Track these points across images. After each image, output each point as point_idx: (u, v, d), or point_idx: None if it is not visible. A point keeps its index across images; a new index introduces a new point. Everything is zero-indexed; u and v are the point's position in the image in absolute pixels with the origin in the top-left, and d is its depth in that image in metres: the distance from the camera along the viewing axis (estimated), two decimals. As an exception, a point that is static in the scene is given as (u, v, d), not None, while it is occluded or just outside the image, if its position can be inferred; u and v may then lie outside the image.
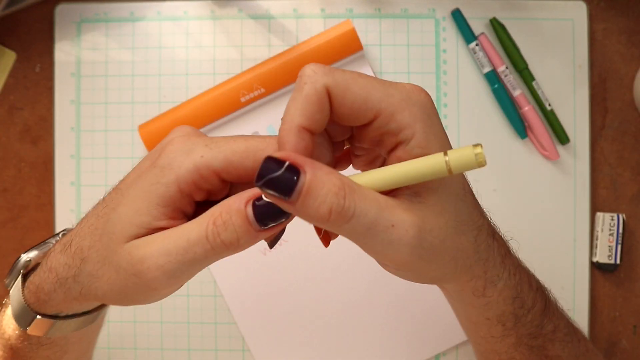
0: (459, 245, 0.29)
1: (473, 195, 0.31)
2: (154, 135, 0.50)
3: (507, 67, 0.51)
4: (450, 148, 0.28)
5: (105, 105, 0.52)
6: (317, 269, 0.51)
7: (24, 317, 0.33)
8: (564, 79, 0.51)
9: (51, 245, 0.33)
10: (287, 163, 0.25)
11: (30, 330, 0.33)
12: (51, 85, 0.52)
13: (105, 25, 0.52)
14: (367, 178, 0.27)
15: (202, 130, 0.50)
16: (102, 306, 0.35)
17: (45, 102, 0.52)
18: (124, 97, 0.52)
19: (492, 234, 0.33)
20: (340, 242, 0.52)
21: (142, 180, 0.28)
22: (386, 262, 0.29)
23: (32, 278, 0.33)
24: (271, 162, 0.25)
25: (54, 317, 0.33)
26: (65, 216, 0.51)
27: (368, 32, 0.52)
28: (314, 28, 0.52)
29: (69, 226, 0.34)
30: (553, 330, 0.35)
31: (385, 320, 0.51)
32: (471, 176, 0.51)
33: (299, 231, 0.51)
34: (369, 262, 0.51)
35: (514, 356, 0.35)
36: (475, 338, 0.37)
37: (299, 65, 0.50)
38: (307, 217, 0.26)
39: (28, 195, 0.52)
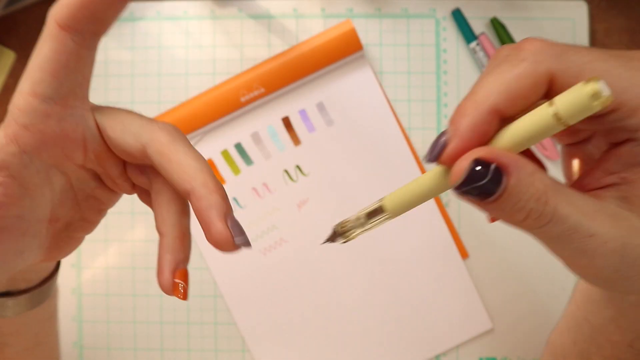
0: None
1: None
2: (154, 136, 0.50)
3: (507, 67, 0.50)
4: None
5: (104, 105, 0.52)
6: (317, 269, 0.51)
7: None
8: (565, 79, 0.51)
9: None
10: (493, 166, 0.22)
11: None
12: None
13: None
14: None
15: (201, 130, 0.50)
16: (47, 280, 0.33)
17: (44, 102, 0.52)
18: (123, 97, 0.52)
19: None
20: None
21: None
22: (576, 269, 0.25)
23: None
24: (480, 167, 0.22)
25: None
26: (64, 216, 0.51)
27: (368, 32, 0.52)
28: (314, 28, 0.52)
29: None
30: None
31: (385, 321, 0.51)
32: (471, 176, 0.51)
33: (299, 231, 0.51)
34: (369, 263, 0.51)
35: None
36: (595, 339, 0.32)
37: (299, 65, 0.50)
38: (500, 216, 0.23)
39: (28, 195, 0.52)
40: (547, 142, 0.50)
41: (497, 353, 0.51)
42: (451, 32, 0.51)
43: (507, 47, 0.23)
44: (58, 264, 0.35)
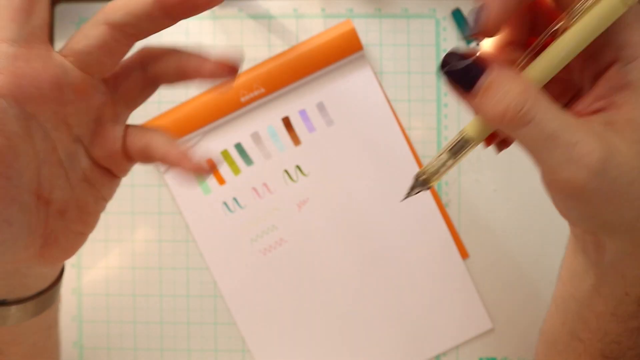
0: None
1: None
2: (154, 136, 0.50)
3: (507, 67, 0.50)
4: None
5: (104, 105, 0.52)
6: (317, 269, 0.51)
7: None
8: (565, 79, 0.51)
9: None
10: (472, 58, 0.24)
11: None
12: None
13: None
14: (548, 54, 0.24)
15: (201, 130, 0.50)
16: (51, 287, 0.32)
17: (44, 102, 0.52)
18: (123, 97, 0.52)
19: None
20: (341, 243, 0.52)
21: None
22: (558, 184, 0.25)
23: None
24: (456, 56, 0.25)
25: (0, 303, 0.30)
26: (64, 216, 0.51)
27: (368, 32, 0.52)
28: (314, 28, 0.52)
29: None
30: None
31: (385, 321, 0.51)
32: (472, 177, 0.51)
33: (299, 231, 0.51)
34: (369, 263, 0.51)
35: (622, 340, 0.31)
36: (581, 313, 0.32)
37: (299, 65, 0.50)
38: (484, 114, 0.25)
39: (28, 195, 0.52)
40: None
41: (497, 353, 0.51)
42: (451, 32, 0.51)
43: None
44: (61, 273, 0.33)
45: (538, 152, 0.24)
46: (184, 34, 0.52)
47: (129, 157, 0.30)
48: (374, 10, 0.52)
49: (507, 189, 0.51)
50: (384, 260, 0.51)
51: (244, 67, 0.52)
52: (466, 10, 0.51)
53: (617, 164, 0.24)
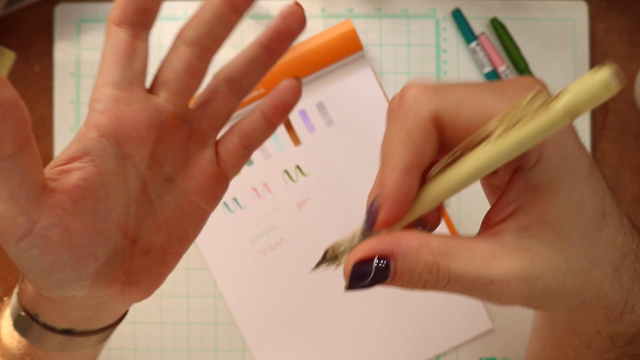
0: (589, 281, 0.25)
1: (618, 213, 0.25)
2: (154, 136, 0.50)
3: (507, 67, 0.50)
4: (588, 163, 0.24)
5: (104, 105, 0.52)
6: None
7: (21, 325, 0.31)
8: (565, 79, 0.51)
9: None
10: (375, 262, 0.23)
11: (32, 341, 0.30)
12: (50, 85, 0.52)
13: (105, 25, 0.52)
14: (467, 166, 0.23)
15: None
16: (114, 324, 0.33)
17: (44, 102, 0.52)
18: (123, 97, 0.52)
19: None
20: (340, 243, 0.51)
21: None
22: (499, 304, 0.26)
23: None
24: (361, 268, 0.24)
25: (67, 332, 0.31)
26: (64, 216, 0.51)
27: (368, 32, 0.52)
28: (314, 28, 0.52)
29: None
30: None
31: (385, 321, 0.51)
32: (471, 176, 0.51)
33: (299, 231, 0.51)
34: (369, 263, 0.51)
35: None
36: (557, 344, 0.32)
37: (299, 65, 0.50)
38: (405, 289, 0.25)
39: (27, 195, 0.52)
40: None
41: (497, 353, 0.51)
42: (451, 32, 0.51)
43: (394, 100, 0.25)
44: (124, 315, 0.34)
45: (467, 295, 0.25)
46: (184, 34, 0.52)
47: (227, 174, 0.31)
48: (374, 10, 0.52)
49: (507, 189, 0.51)
50: (384, 260, 0.51)
51: (244, 67, 0.52)
52: (466, 10, 0.51)
53: (539, 275, 0.24)
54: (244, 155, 0.32)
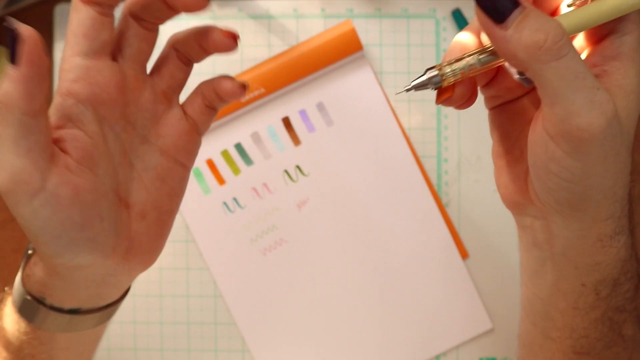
0: (626, 162, 0.27)
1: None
2: (154, 136, 0.50)
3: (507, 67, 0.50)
4: None
5: (104, 105, 0.52)
6: (317, 269, 0.51)
7: (27, 310, 0.31)
8: (565, 79, 0.51)
9: None
10: None
11: (36, 325, 0.31)
12: (50, 85, 0.52)
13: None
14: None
15: (202, 130, 0.50)
16: (117, 301, 0.33)
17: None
18: (123, 97, 0.52)
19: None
20: (341, 243, 0.52)
21: None
22: (573, 129, 0.25)
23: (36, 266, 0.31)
24: None
25: (74, 311, 0.31)
26: (64, 216, 0.51)
27: (368, 32, 0.52)
28: (314, 28, 0.52)
29: None
30: (635, 308, 0.32)
31: (385, 321, 0.51)
32: (471, 177, 0.51)
33: (299, 231, 0.51)
34: (369, 263, 0.51)
35: (589, 334, 0.32)
36: (546, 311, 0.33)
37: (299, 65, 0.50)
38: (517, 43, 0.24)
39: (27, 195, 0.52)
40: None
41: (497, 353, 0.51)
42: (451, 32, 0.51)
43: None
44: (128, 289, 0.35)
45: (562, 91, 0.24)
46: (184, 34, 0.52)
47: (197, 129, 0.33)
48: (374, 10, 0.52)
49: (507, 189, 0.51)
50: (383, 260, 0.51)
51: (244, 67, 0.52)
52: (466, 10, 0.51)
53: (620, 119, 0.25)
54: (209, 113, 0.33)
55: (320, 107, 0.51)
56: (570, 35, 0.26)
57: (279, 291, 0.51)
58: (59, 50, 0.52)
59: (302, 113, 0.51)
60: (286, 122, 0.51)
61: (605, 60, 0.26)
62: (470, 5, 0.51)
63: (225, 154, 0.51)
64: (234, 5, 0.52)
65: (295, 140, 0.51)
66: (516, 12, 0.24)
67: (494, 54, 0.27)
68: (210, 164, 0.51)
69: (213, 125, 0.51)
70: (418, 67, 0.51)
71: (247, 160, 0.52)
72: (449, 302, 0.51)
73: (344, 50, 0.50)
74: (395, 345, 0.51)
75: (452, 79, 0.27)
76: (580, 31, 0.26)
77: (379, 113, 0.51)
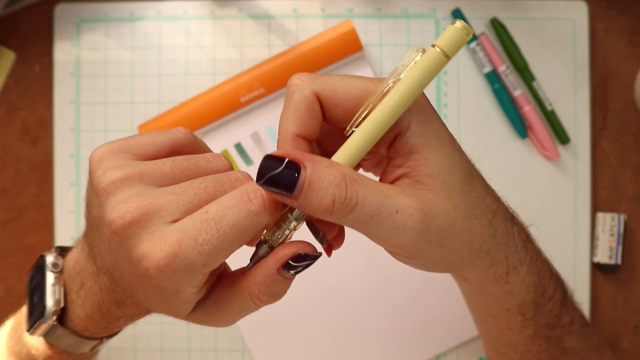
0: (472, 229, 0.29)
1: (483, 179, 0.31)
2: (154, 136, 0.50)
3: (507, 67, 0.50)
4: (447, 131, 0.29)
5: (104, 105, 0.52)
6: (317, 269, 0.51)
7: (76, 346, 0.34)
8: (565, 79, 0.51)
9: (53, 275, 0.33)
10: (286, 160, 0.25)
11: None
12: (50, 85, 0.52)
13: (105, 25, 0.52)
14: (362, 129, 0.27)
15: (201, 130, 0.50)
16: None
17: (44, 102, 0.52)
18: (123, 97, 0.52)
19: (510, 218, 0.32)
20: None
21: None
22: (395, 250, 0.29)
23: (76, 310, 0.33)
24: (271, 161, 0.26)
25: (108, 336, 0.35)
26: (64, 217, 0.51)
27: (368, 32, 0.52)
28: (314, 28, 0.52)
29: (68, 228, 0.34)
30: (570, 322, 0.35)
31: (386, 321, 0.51)
32: (471, 176, 0.51)
33: (299, 231, 0.51)
34: (370, 263, 0.51)
35: (531, 348, 0.35)
36: (490, 332, 0.36)
37: (299, 65, 0.50)
38: (311, 211, 0.26)
39: (27, 195, 0.52)
40: (548, 142, 0.50)
41: (497, 353, 0.51)
42: (451, 32, 0.51)
43: (286, 87, 0.29)
44: None
45: (368, 229, 0.27)
46: (184, 34, 0.52)
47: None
48: (374, 10, 0.52)
49: (507, 189, 0.51)
50: (384, 260, 0.51)
51: (244, 67, 0.52)
52: (466, 10, 0.51)
53: (435, 214, 0.27)
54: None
55: (320, 107, 0.51)
56: (357, 162, 0.28)
57: (279, 291, 0.51)
58: (59, 50, 0.52)
59: (302, 113, 0.51)
60: (286, 122, 0.51)
61: (406, 158, 0.28)
62: (471, 5, 0.51)
63: (225, 154, 0.51)
64: (234, 5, 0.52)
65: (295, 140, 0.51)
66: (299, 183, 0.25)
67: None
68: (210, 164, 0.51)
69: (213, 125, 0.51)
70: (418, 67, 0.51)
71: (247, 160, 0.51)
72: (449, 302, 0.51)
73: (344, 50, 0.50)
74: (395, 345, 0.51)
75: (282, 239, 0.31)
76: (363, 154, 0.27)
77: (379, 113, 0.51)
